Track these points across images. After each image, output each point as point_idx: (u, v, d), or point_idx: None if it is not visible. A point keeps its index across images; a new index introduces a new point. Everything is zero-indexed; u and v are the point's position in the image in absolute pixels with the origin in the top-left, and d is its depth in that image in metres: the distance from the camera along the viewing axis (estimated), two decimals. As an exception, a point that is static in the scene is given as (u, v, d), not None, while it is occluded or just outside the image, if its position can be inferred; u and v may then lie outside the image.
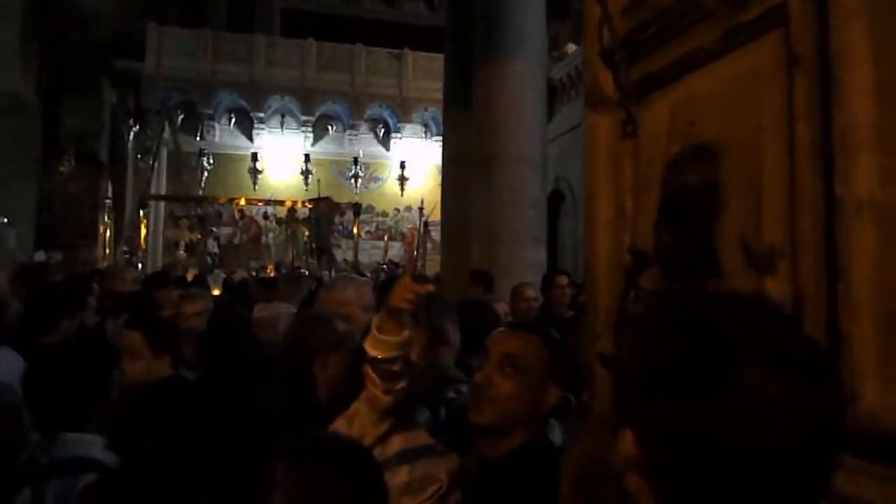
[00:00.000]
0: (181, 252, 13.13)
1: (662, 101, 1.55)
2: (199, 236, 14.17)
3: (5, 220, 7.23)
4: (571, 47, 13.90)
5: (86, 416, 1.64)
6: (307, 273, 8.88)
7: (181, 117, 15.34)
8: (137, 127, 14.60)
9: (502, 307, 3.33)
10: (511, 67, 5.95)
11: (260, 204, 14.55)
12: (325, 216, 11.56)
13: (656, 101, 1.57)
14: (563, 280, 4.71)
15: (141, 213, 11.89)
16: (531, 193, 6.00)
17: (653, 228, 1.54)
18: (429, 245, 14.43)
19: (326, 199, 11.81)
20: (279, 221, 13.87)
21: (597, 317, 1.84)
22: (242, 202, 14.11)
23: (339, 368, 1.89)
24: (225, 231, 15.50)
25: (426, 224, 13.95)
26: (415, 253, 14.79)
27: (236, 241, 15.67)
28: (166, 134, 15.04)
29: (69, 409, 1.63)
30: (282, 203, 13.33)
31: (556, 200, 12.36)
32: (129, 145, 14.60)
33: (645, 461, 0.85)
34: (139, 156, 14.64)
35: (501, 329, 1.53)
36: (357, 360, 1.84)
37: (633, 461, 0.87)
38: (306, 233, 12.03)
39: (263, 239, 15.83)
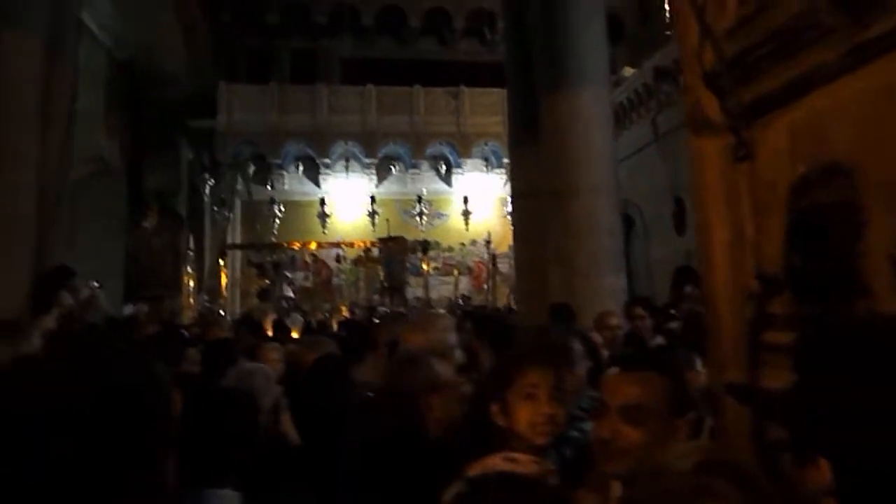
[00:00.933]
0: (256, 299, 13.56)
1: (780, 121, 1.52)
2: (273, 282, 14.61)
3: (96, 283, 7.71)
4: (629, 70, 13.82)
5: (228, 470, 1.57)
6: (379, 309, 9.01)
7: (252, 168, 16.01)
8: (213, 181, 15.31)
9: (597, 337, 3.27)
10: (577, 95, 5.97)
11: (331, 247, 14.91)
12: (396, 255, 11.73)
13: (773, 122, 1.54)
14: (639, 310, 4.63)
15: (220, 262, 12.38)
16: (607, 220, 5.94)
17: (781, 252, 1.50)
18: (497, 277, 14.41)
19: (398, 238, 12.00)
20: (356, 262, 14.18)
21: (721, 346, 1.79)
22: (313, 246, 14.50)
23: (445, 409, 1.89)
24: (298, 276, 15.93)
25: (494, 257, 13.97)
26: (484, 286, 14.80)
27: (308, 284, 16.07)
28: (239, 185, 15.72)
29: (214, 463, 1.55)
30: (352, 245, 13.62)
31: (625, 225, 12.16)
32: (206, 198, 15.31)
33: (841, 489, 0.82)
34: (215, 208, 15.33)
35: (614, 372, 1.46)
36: (479, 402, 1.85)
37: (829, 489, 0.84)
38: (381, 273, 12.21)
39: (334, 281, 16.18)
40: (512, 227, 8.04)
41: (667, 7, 11.91)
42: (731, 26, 1.70)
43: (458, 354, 2.47)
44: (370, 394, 2.46)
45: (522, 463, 1.35)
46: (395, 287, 11.63)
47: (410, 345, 2.44)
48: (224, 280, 13.37)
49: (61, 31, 7.61)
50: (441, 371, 1.94)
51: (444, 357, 2.18)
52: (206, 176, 15.25)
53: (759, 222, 1.60)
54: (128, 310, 11.70)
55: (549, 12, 6.40)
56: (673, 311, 5.67)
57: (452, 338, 2.40)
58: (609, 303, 5.25)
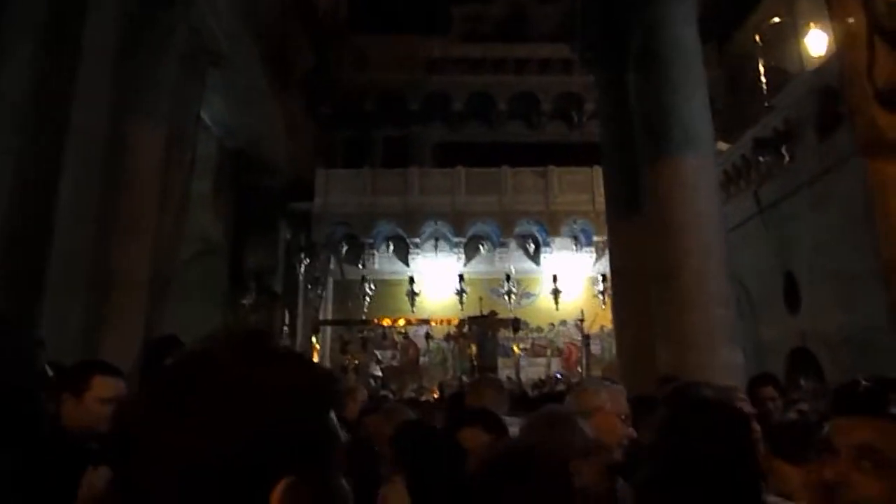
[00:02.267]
0: (349, 374, 13.62)
1: None
2: (362, 359, 14.67)
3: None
4: (723, 146, 13.48)
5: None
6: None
7: (345, 248, 16.51)
8: (308, 260, 15.87)
9: (746, 406, 2.93)
10: (683, 163, 5.78)
11: (420, 324, 14.91)
12: (489, 331, 11.52)
13: None
14: (770, 391, 4.15)
15: (313, 339, 12.58)
16: (718, 290, 5.57)
17: None
18: (590, 358, 13.84)
19: (490, 314, 11.83)
20: (447, 338, 14.03)
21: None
22: (402, 323, 14.54)
23: (592, 479, 1.67)
24: (386, 354, 15.96)
25: (587, 336, 13.48)
26: (578, 369, 14.23)
27: (395, 363, 16.03)
28: (332, 265, 16.19)
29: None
30: (442, 322, 13.55)
31: (728, 304, 11.47)
32: (301, 277, 15.82)
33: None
34: (309, 286, 15.79)
35: (843, 417, 1.22)
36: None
37: None
38: (473, 350, 11.99)
39: (422, 360, 16.07)
40: (612, 305, 7.71)
41: (763, 79, 11.66)
42: (914, 37, 1.54)
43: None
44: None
45: None
46: (486, 367, 11.34)
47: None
48: (316, 357, 13.52)
49: (183, 124, 8.33)
50: (591, 434, 1.74)
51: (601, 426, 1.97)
52: (302, 255, 15.83)
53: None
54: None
55: (649, 83, 6.36)
56: (796, 397, 5.13)
57: (621, 407, 2.19)
58: (726, 379, 4.81)
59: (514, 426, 2.14)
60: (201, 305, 14.73)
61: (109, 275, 6.39)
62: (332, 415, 0.70)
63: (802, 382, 8.17)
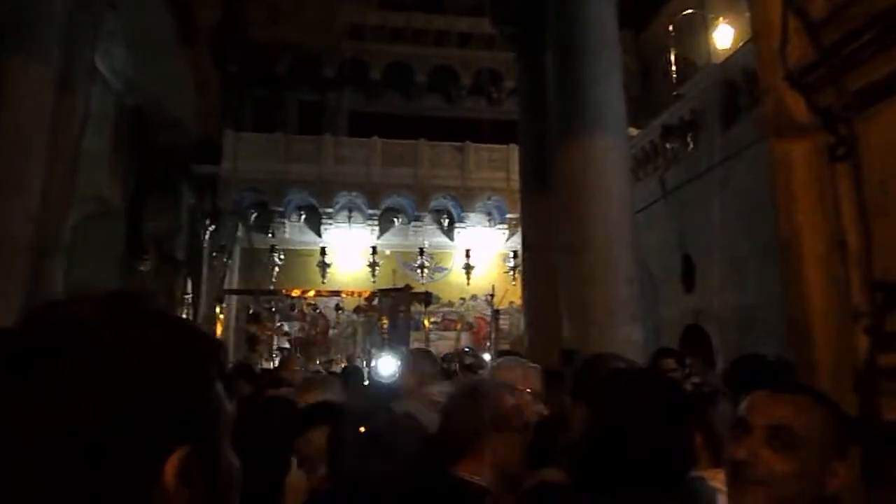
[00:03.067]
0: (261, 345, 13.20)
1: (894, 110, 1.34)
2: (269, 331, 14.27)
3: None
4: (633, 131, 13.95)
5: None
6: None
7: (254, 216, 15.91)
8: (213, 226, 15.16)
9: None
10: (594, 143, 5.88)
11: (330, 296, 14.64)
12: (401, 305, 11.45)
13: (885, 112, 1.36)
14: (670, 362, 4.34)
15: (217, 309, 12.08)
16: (624, 268, 5.74)
17: (902, 257, 1.29)
18: (498, 333, 14.10)
19: (404, 287, 11.75)
20: (356, 310, 13.79)
21: (817, 378, 1.55)
22: (312, 294, 14.23)
23: (510, 450, 1.63)
24: (294, 326, 15.59)
25: (497, 312, 13.70)
26: (487, 343, 14.46)
27: (303, 335, 15.71)
28: (240, 232, 15.56)
29: None
30: (353, 294, 13.36)
31: (630, 283, 11.95)
32: (205, 244, 15.12)
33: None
34: (214, 254, 15.12)
35: (761, 393, 1.21)
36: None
37: None
38: (385, 324, 11.88)
39: (331, 333, 15.83)
40: (522, 280, 7.83)
41: (673, 68, 12.09)
42: (824, 17, 1.56)
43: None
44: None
45: None
46: (396, 340, 11.29)
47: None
48: (220, 328, 13.02)
49: (73, 68, 7.62)
50: (511, 405, 1.68)
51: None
52: (207, 221, 15.11)
53: (865, 227, 1.40)
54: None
55: (566, 62, 6.40)
56: (689, 371, 5.40)
57: (532, 384, 2.16)
58: (626, 354, 4.98)
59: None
60: (95, 271, 13.79)
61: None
62: (219, 382, 0.61)
63: (688, 360, 8.66)
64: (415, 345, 13.81)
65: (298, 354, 11.53)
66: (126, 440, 0.51)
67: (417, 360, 2.89)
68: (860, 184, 1.36)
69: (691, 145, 10.25)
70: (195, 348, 0.59)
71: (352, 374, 6.46)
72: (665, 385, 1.68)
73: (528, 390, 2.09)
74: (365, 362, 11.38)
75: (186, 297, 13.28)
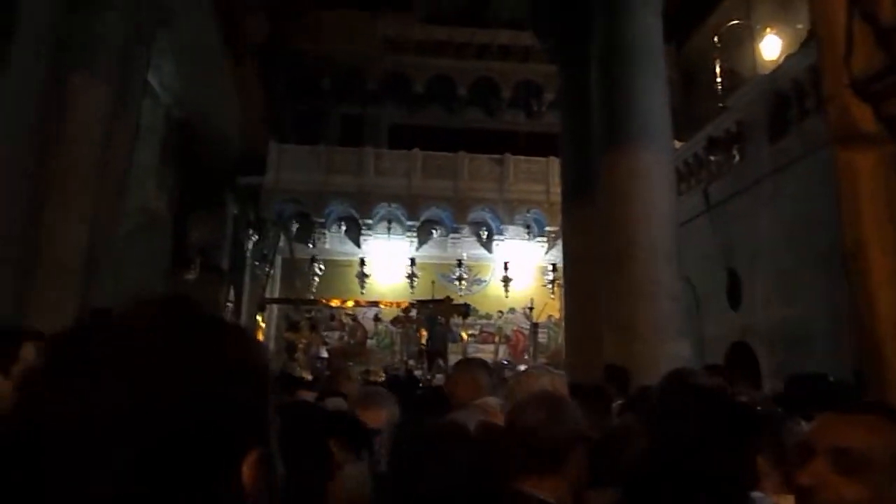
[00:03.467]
0: (299, 354, 13.34)
1: (972, 120, 1.29)
2: (307, 340, 14.42)
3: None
4: (676, 144, 13.74)
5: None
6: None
7: (296, 227, 16.16)
8: (256, 237, 15.46)
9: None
10: (638, 155, 5.81)
11: (369, 306, 14.74)
12: (440, 317, 11.44)
13: (961, 123, 1.31)
14: (720, 381, 4.22)
15: (258, 317, 12.28)
16: (668, 283, 5.63)
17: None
18: (537, 346, 13.97)
19: (443, 299, 11.74)
20: (394, 321, 13.85)
21: (888, 393, 1.49)
22: (351, 304, 14.35)
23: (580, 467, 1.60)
24: (333, 335, 15.73)
25: (535, 325, 13.60)
26: (525, 356, 14.35)
27: (343, 345, 15.82)
28: (281, 242, 15.82)
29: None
30: (392, 305, 13.42)
31: (673, 298, 11.70)
32: (248, 254, 15.42)
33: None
34: (256, 263, 15.40)
35: (828, 413, 1.17)
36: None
37: None
38: (423, 335, 11.89)
39: (369, 343, 15.92)
40: (563, 293, 7.75)
41: (718, 80, 11.89)
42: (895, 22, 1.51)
43: None
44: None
45: None
46: (435, 352, 11.28)
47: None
48: (261, 336, 13.22)
49: (128, 84, 7.87)
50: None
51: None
52: (250, 232, 15.42)
53: (940, 242, 1.35)
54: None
55: (612, 72, 6.35)
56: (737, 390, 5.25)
57: (561, 393, 2.12)
58: (672, 371, 4.86)
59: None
60: (142, 282, 14.18)
61: (40, 249, 5.99)
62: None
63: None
64: (452, 358, 13.80)
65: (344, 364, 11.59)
66: (212, 436, 0.52)
67: (472, 370, 2.86)
68: (933, 196, 1.31)
69: (737, 157, 10.03)
70: (259, 353, 0.60)
71: (406, 385, 6.46)
72: (727, 401, 1.63)
73: None
74: (403, 372, 11.38)
75: (229, 304, 13.54)
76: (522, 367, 8.56)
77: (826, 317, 7.66)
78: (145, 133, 14.05)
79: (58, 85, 6.30)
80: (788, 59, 9.51)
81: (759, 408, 3.41)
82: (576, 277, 7.18)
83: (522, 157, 16.55)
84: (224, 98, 15.39)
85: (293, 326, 13.88)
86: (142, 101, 8.13)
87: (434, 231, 16.89)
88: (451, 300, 12.41)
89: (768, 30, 11.58)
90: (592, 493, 1.63)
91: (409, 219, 16.51)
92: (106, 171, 6.83)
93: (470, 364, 3.36)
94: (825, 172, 7.79)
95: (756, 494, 1.52)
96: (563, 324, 9.44)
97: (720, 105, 11.10)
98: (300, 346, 13.13)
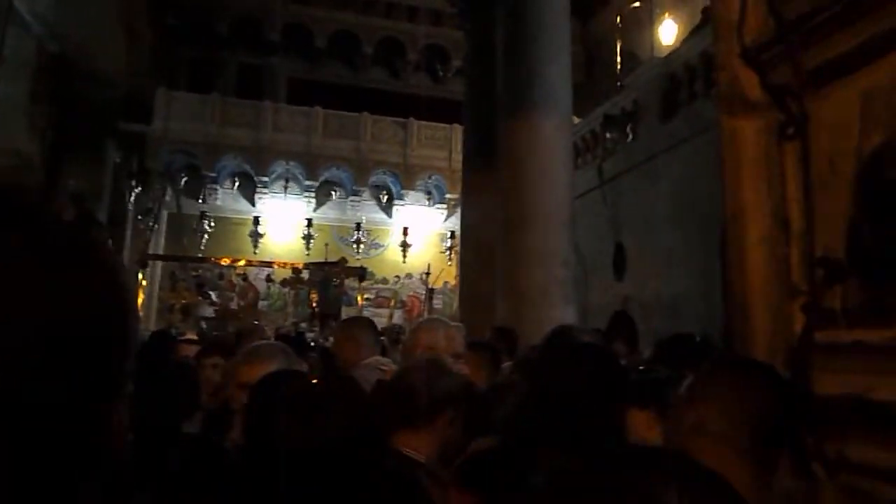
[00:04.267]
0: (175, 314, 12.69)
1: (847, 89, 1.35)
2: (196, 299, 13.78)
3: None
4: (575, 120, 14.13)
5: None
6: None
7: (184, 180, 15.27)
8: (139, 188, 14.46)
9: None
10: (539, 123, 5.88)
11: (261, 267, 14.25)
12: (334, 279, 11.23)
13: (838, 91, 1.37)
14: (619, 346, 4.38)
15: (139, 275, 11.55)
16: (561, 250, 5.79)
17: (843, 236, 1.30)
18: (431, 312, 14.10)
19: (338, 261, 11.52)
20: (283, 283, 13.45)
21: (752, 351, 1.56)
22: (242, 264, 13.82)
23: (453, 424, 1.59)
24: (222, 296, 15.10)
25: (431, 290, 13.71)
26: (420, 321, 14.45)
27: (233, 306, 15.24)
28: (168, 196, 14.90)
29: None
30: (286, 266, 13.04)
31: (564, 268, 12.15)
32: (130, 206, 14.41)
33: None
34: (139, 217, 14.43)
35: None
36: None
37: None
38: (314, 297, 11.64)
39: (261, 304, 15.43)
40: (459, 257, 7.81)
41: (618, 60, 12.29)
42: (781, -7, 1.56)
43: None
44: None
45: None
46: (327, 314, 11.10)
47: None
48: (141, 295, 12.46)
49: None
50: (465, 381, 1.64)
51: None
52: (133, 182, 14.39)
53: (810, 205, 1.41)
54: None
55: (515, 41, 6.36)
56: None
57: (456, 347, 2.10)
58: (558, 336, 5.03)
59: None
60: (6, 228, 12.94)
61: None
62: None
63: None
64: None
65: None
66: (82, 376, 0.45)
67: (353, 329, 2.79)
68: (807, 163, 1.36)
69: (630, 136, 10.46)
70: (124, 289, 0.51)
71: (295, 346, 6.28)
72: (603, 356, 1.67)
73: (451, 353, 2.04)
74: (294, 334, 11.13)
75: (107, 259, 12.61)
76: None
77: (701, 290, 8.23)
78: (12, 65, 12.69)
79: None
80: (682, 43, 9.96)
81: (640, 367, 3.58)
82: (471, 242, 7.25)
83: (426, 123, 16.44)
84: (106, 32, 14.13)
85: (174, 286, 13.19)
86: (4, 27, 7.24)
87: (333, 192, 16.53)
88: (346, 262, 12.22)
89: (666, 14, 12.06)
90: (473, 444, 1.63)
91: (308, 178, 16.04)
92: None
93: (352, 323, 3.30)
94: (709, 154, 8.26)
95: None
96: (458, 290, 9.56)
97: (619, 84, 11.49)
98: (177, 305, 12.48)
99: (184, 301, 12.90)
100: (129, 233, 14.43)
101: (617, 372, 1.71)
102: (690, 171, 8.64)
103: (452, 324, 2.40)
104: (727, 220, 1.58)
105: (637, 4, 12.70)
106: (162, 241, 15.24)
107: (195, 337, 7.63)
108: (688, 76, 8.98)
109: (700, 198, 8.11)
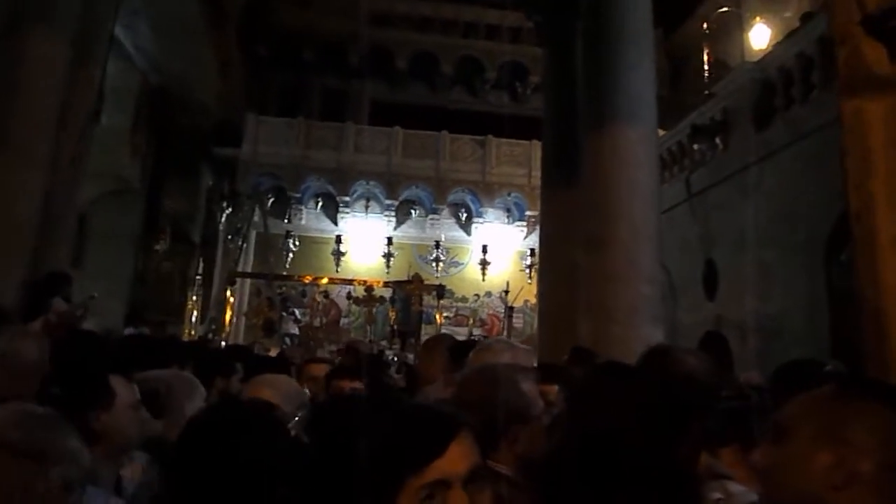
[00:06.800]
0: (256, 331, 13.06)
1: None
2: (279, 316, 14.15)
3: (94, 295, 7.30)
4: (661, 133, 13.61)
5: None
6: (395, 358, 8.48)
7: (271, 201, 15.81)
8: (230, 209, 15.10)
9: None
10: (623, 133, 5.63)
11: (343, 284, 14.49)
12: (411, 297, 11.23)
13: None
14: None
15: (228, 291, 11.98)
16: (647, 267, 5.48)
17: None
18: (511, 331, 13.86)
19: (413, 278, 11.53)
20: (356, 301, 13.58)
21: (891, 373, 1.32)
22: (325, 282, 14.10)
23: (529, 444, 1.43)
24: (306, 313, 15.47)
25: (511, 309, 13.48)
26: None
27: (316, 323, 15.56)
28: (256, 216, 15.48)
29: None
30: (366, 283, 13.19)
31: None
32: (221, 227, 15.06)
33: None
34: (229, 237, 15.05)
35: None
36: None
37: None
38: (393, 315, 11.67)
39: (343, 322, 15.68)
40: (538, 274, 7.60)
41: (706, 68, 11.75)
42: (918, -51, 1.34)
43: None
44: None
45: None
46: (406, 332, 11.09)
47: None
48: (229, 311, 12.93)
49: (91, 41, 7.49)
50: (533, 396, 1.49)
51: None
52: (224, 204, 15.05)
53: (963, 197, 1.18)
54: (128, 332, 11.28)
55: (597, 50, 6.15)
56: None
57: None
58: (645, 356, 4.73)
59: None
60: (111, 249, 13.82)
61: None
62: None
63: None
64: (426, 338, 13.63)
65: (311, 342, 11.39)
66: None
67: (431, 347, 2.69)
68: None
69: (721, 146, 9.93)
70: None
71: (373, 363, 6.25)
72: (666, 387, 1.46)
73: None
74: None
75: (198, 277, 13.20)
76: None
77: (802, 310, 7.62)
78: (118, 96, 13.60)
79: (13, 38, 5.95)
80: (776, 46, 9.40)
81: (730, 394, 3.25)
82: (551, 260, 7.03)
83: (505, 140, 16.32)
84: (202, 65, 14.95)
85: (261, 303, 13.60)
86: (107, 60, 7.73)
87: (413, 211, 16.66)
88: (421, 280, 12.19)
89: (757, 18, 11.46)
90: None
91: (388, 197, 16.24)
92: (64, 129, 6.49)
93: (434, 341, 3.20)
94: (808, 162, 7.68)
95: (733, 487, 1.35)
96: (537, 308, 9.31)
97: (706, 92, 10.97)
98: (258, 322, 12.81)
99: (264, 317, 13.27)
100: (219, 251, 15.08)
101: (678, 403, 1.50)
102: (788, 180, 8.07)
103: (520, 346, 2.23)
104: (851, 221, 1.36)
105: (725, 9, 12.15)
106: (250, 259, 15.81)
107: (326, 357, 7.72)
108: (783, 80, 8.43)
109: (800, 210, 7.54)
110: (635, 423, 1.32)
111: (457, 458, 0.92)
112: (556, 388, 2.10)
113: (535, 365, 2.20)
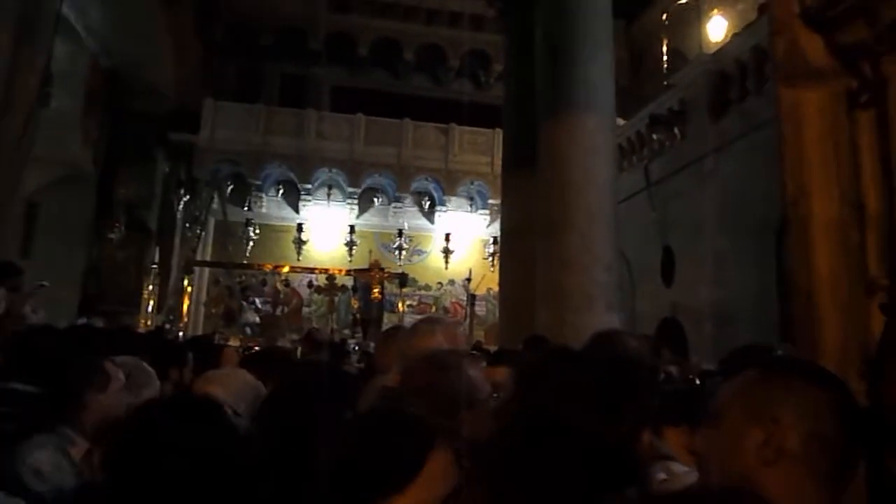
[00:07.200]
0: (216, 320, 12.85)
1: (935, 45, 1.14)
2: (239, 305, 13.96)
3: (44, 284, 6.98)
4: (620, 122, 13.76)
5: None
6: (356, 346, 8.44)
7: (230, 188, 15.52)
8: (187, 197, 14.76)
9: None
10: (581, 122, 5.66)
11: (304, 273, 14.34)
12: (375, 285, 11.18)
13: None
14: (666, 353, 4.15)
15: (185, 280, 11.73)
16: (604, 254, 5.54)
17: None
18: (473, 319, 13.93)
19: (374, 265, 11.47)
20: (318, 290, 13.44)
21: (823, 353, 1.35)
22: (286, 270, 13.92)
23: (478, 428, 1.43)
24: (266, 302, 15.27)
25: (473, 297, 13.53)
26: (461, 328, 14.27)
27: (277, 312, 15.39)
28: (215, 204, 15.17)
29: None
30: (328, 272, 13.07)
31: (609, 274, 11.79)
32: (178, 214, 14.72)
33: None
34: (187, 224, 14.73)
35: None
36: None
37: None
38: (355, 304, 11.60)
39: (304, 311, 15.54)
40: (500, 263, 7.63)
41: (665, 58, 11.91)
42: (853, -61, 1.35)
43: None
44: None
45: None
46: (368, 319, 11.05)
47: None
48: (187, 301, 12.68)
49: (35, 19, 7.17)
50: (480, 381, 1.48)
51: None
52: (181, 191, 14.70)
53: (890, 183, 1.20)
54: (81, 322, 10.96)
55: (555, 39, 6.16)
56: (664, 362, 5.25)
57: (458, 344, 1.94)
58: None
59: None
60: (62, 238, 13.38)
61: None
62: None
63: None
64: (388, 326, 13.60)
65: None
66: None
67: (387, 338, 2.66)
68: (886, 134, 1.15)
69: (678, 136, 10.09)
70: None
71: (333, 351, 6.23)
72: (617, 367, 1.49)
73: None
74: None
75: (154, 266, 12.89)
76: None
77: (754, 295, 7.82)
78: (68, 79, 13.13)
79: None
80: (733, 38, 9.56)
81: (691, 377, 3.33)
82: (512, 248, 7.06)
83: (468, 128, 16.28)
84: (156, 49, 14.50)
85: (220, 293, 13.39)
86: (54, 38, 7.42)
87: (376, 199, 16.55)
88: (382, 268, 12.14)
89: (715, 11, 11.64)
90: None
91: (350, 185, 16.09)
92: (8, 106, 6.23)
93: (390, 331, 3.19)
94: (762, 153, 7.86)
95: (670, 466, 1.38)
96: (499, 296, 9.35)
97: (666, 83, 11.12)
98: (217, 311, 12.62)
99: (224, 306, 13.05)
100: (176, 240, 14.74)
101: (622, 383, 1.52)
102: (743, 170, 8.25)
103: (446, 321, 2.24)
104: (787, 206, 1.37)
105: (684, 1, 12.31)
106: (209, 247, 15.50)
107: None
108: (739, 72, 8.60)
109: (754, 199, 7.72)
110: (577, 402, 1.33)
111: (435, 480, 0.83)
112: (504, 370, 2.10)
113: (464, 335, 2.21)
